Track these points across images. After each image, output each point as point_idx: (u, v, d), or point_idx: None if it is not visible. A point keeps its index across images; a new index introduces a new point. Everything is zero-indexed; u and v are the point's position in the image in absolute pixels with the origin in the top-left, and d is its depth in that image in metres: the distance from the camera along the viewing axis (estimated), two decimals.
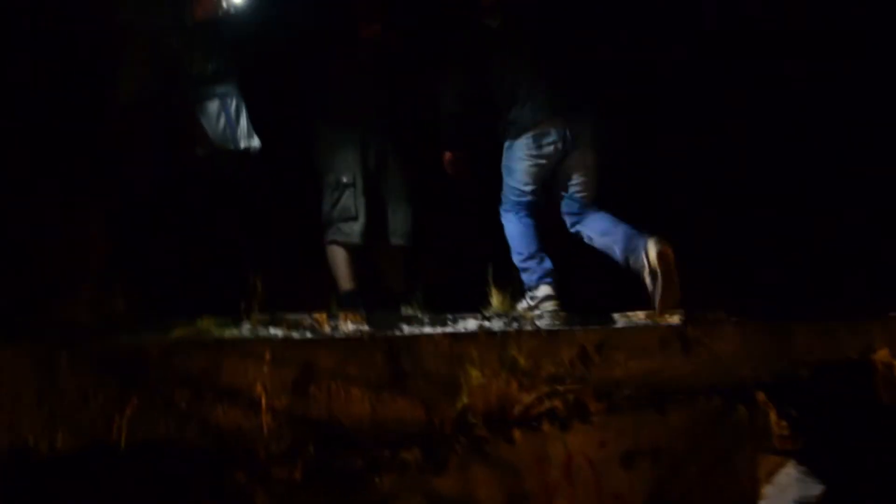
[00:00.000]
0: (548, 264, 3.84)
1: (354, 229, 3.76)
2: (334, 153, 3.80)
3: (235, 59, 3.60)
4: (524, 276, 3.90)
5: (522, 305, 3.88)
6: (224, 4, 3.36)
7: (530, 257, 3.84)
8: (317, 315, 2.94)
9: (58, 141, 3.98)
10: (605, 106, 4.02)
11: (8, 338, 2.41)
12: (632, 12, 5.01)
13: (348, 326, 2.90)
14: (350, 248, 3.78)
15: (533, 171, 3.86)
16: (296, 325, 2.86)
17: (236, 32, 3.53)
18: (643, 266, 3.64)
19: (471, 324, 3.22)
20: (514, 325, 3.32)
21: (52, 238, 3.83)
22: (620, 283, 4.57)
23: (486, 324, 3.24)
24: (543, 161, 3.84)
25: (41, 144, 3.94)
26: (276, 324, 2.85)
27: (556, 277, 3.83)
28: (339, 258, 3.79)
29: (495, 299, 3.65)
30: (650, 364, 3.36)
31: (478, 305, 4.05)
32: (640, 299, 4.18)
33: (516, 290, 3.88)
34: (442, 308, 3.88)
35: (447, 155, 4.04)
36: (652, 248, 3.60)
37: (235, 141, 3.52)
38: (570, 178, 3.89)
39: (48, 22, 4.02)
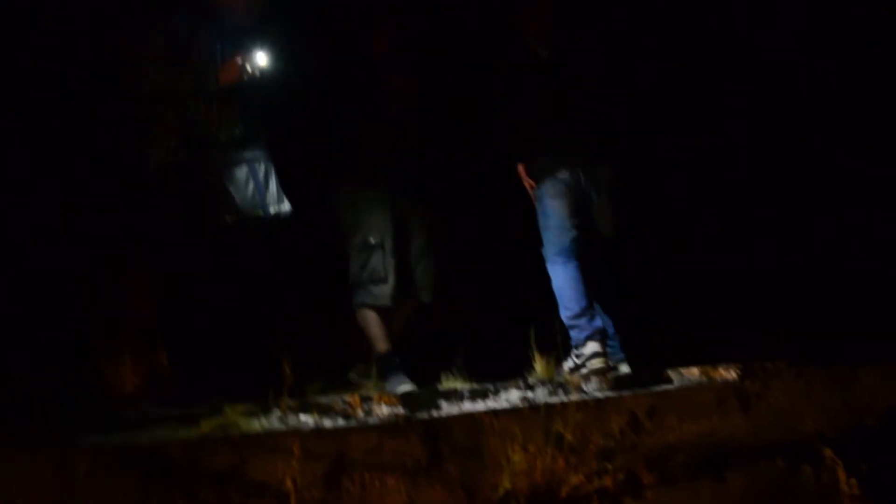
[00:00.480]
0: (598, 322, 3.75)
1: (384, 291, 3.66)
2: (360, 213, 3.72)
3: (262, 124, 3.55)
4: (572, 333, 3.79)
5: (568, 364, 3.76)
6: (248, 69, 3.31)
7: (581, 314, 3.74)
8: (349, 397, 2.81)
9: (96, 206, 4.06)
10: (626, 149, 4.00)
11: (24, 437, 2.34)
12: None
13: (382, 409, 2.77)
14: (380, 310, 3.68)
15: (564, 208, 3.81)
16: (327, 411, 2.74)
17: (262, 96, 3.48)
18: (572, 351, 3.77)
19: (513, 395, 3.07)
20: (560, 393, 3.16)
21: (99, 295, 3.87)
22: (672, 333, 4.45)
23: (530, 394, 3.09)
24: (568, 199, 3.80)
25: (82, 210, 4.04)
26: (306, 410, 2.73)
27: (606, 335, 3.74)
28: (370, 321, 3.69)
29: (539, 365, 3.49)
30: (706, 425, 3.17)
31: (521, 367, 3.95)
32: (692, 349, 4.05)
33: (560, 351, 3.72)
34: (484, 372, 3.80)
35: (521, 167, 3.98)
36: (623, 366, 3.75)
37: (265, 207, 3.47)
38: (589, 216, 3.87)
39: (78, 93, 4.13)
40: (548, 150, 3.84)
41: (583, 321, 3.74)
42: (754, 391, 3.36)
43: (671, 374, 3.56)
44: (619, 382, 3.37)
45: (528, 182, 3.96)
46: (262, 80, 3.36)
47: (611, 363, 3.80)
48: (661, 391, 3.26)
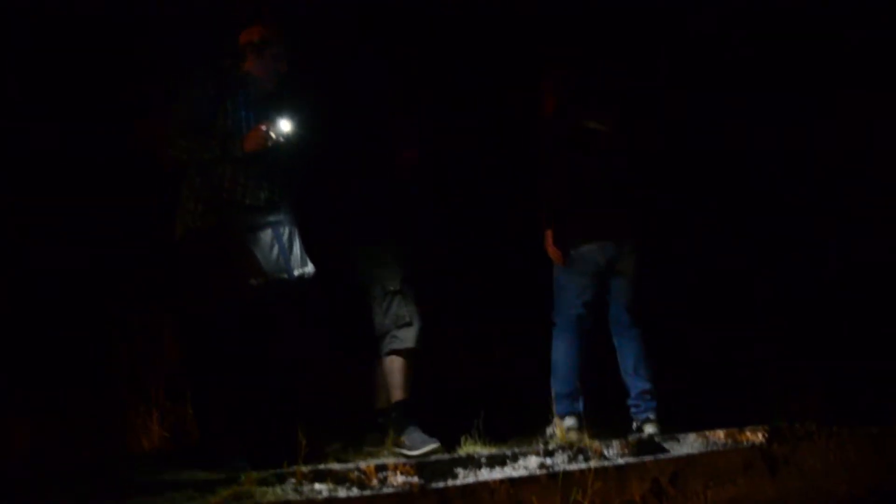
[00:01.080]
0: (578, 406, 3.80)
1: (410, 334, 3.68)
2: (377, 266, 3.77)
3: (285, 187, 3.60)
4: (556, 405, 3.81)
5: (549, 431, 3.77)
6: (273, 136, 3.37)
7: (567, 395, 3.80)
8: (365, 466, 2.78)
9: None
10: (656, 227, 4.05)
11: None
12: None
13: (398, 478, 2.73)
14: (407, 356, 3.69)
15: (583, 285, 3.84)
16: (343, 479, 2.71)
17: (285, 161, 3.53)
18: (635, 424, 3.77)
19: (532, 462, 3.02)
20: (580, 458, 3.09)
21: (129, 352, 3.92)
22: (697, 396, 4.38)
23: (549, 461, 3.03)
24: (589, 272, 3.83)
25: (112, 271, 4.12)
26: (321, 478, 2.70)
27: (582, 416, 3.77)
28: (396, 367, 3.69)
29: (559, 429, 3.44)
30: (732, 491, 3.10)
31: (543, 426, 3.90)
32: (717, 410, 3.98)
33: (582, 416, 3.67)
34: (505, 431, 3.76)
35: (548, 234, 3.95)
36: (648, 427, 3.72)
37: (289, 270, 3.48)
38: (611, 286, 3.88)
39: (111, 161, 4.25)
40: (577, 223, 3.87)
41: (567, 401, 3.79)
42: (783, 454, 3.28)
43: (696, 437, 3.49)
44: (642, 447, 3.30)
45: (552, 251, 3.94)
46: (286, 146, 3.41)
47: (637, 423, 3.78)
48: (685, 456, 3.19)
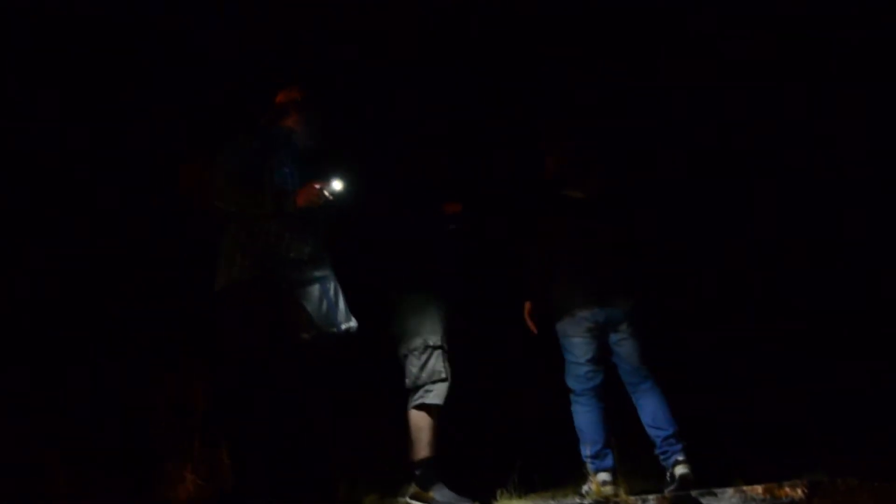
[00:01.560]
0: (609, 462, 3.80)
1: (444, 390, 3.70)
2: (421, 318, 3.79)
3: (329, 242, 3.67)
4: (589, 465, 3.82)
5: (585, 488, 3.77)
6: (326, 194, 3.44)
7: (595, 455, 3.80)
8: None
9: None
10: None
11: None
12: None
13: None
14: (436, 413, 3.69)
15: (585, 347, 3.91)
16: None
17: (330, 217, 3.60)
18: (668, 472, 3.77)
19: None
20: None
21: (164, 403, 3.97)
22: (734, 448, 4.31)
23: None
24: (589, 337, 3.90)
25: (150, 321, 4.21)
26: None
27: (616, 470, 3.78)
28: (426, 423, 3.69)
29: (595, 484, 3.41)
30: None
31: (577, 480, 3.87)
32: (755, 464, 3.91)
33: (618, 470, 3.64)
34: (541, 483, 3.74)
35: (528, 305, 4.09)
36: (679, 469, 3.72)
37: (337, 324, 3.54)
38: (615, 346, 3.94)
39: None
40: (567, 289, 3.97)
41: (598, 460, 3.80)
42: None
43: (734, 492, 3.43)
44: (678, 501, 3.26)
45: (529, 323, 4.08)
46: (335, 204, 3.49)
47: (669, 472, 3.77)
48: None
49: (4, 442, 3.61)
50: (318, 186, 3.41)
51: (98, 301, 4.32)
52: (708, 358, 5.00)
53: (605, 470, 3.75)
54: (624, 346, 3.91)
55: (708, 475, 3.75)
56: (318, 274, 3.53)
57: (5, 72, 4.43)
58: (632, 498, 3.23)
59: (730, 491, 3.46)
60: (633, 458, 3.88)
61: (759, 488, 3.45)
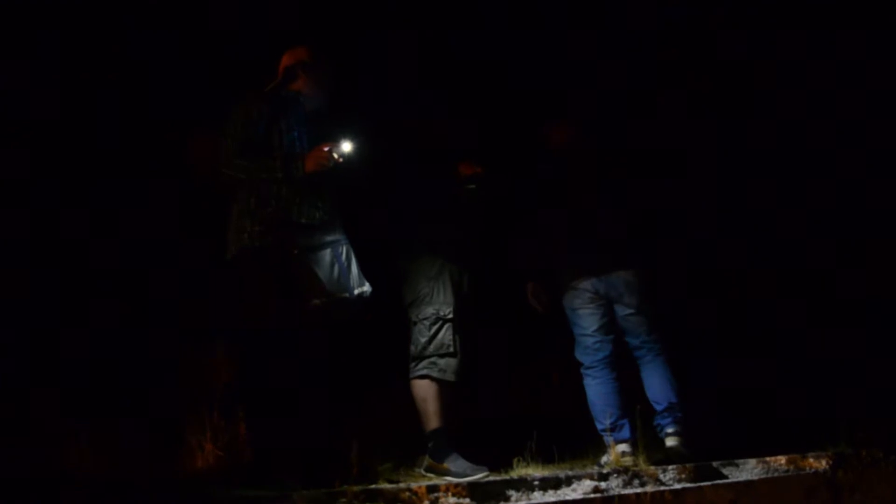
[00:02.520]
0: (626, 433, 3.78)
1: (451, 365, 3.63)
2: (434, 287, 3.73)
3: (340, 206, 3.62)
4: (605, 439, 3.83)
5: (604, 459, 3.74)
6: (336, 156, 3.38)
7: (612, 428, 3.78)
8: (416, 486, 2.75)
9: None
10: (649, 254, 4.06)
11: None
12: None
13: (449, 499, 2.70)
14: (442, 384, 3.64)
15: (590, 318, 3.91)
16: (394, 500, 2.69)
17: (338, 179, 3.55)
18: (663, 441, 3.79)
19: (586, 485, 2.95)
20: (635, 483, 3.02)
21: (185, 372, 3.99)
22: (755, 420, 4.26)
23: (603, 484, 2.96)
24: (594, 307, 3.90)
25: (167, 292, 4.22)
26: (372, 499, 2.68)
27: (634, 442, 3.72)
28: (430, 394, 3.62)
29: (613, 452, 3.37)
30: None
31: (596, 452, 3.84)
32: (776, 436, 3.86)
33: (640, 437, 3.60)
34: (559, 453, 3.71)
35: (530, 286, 4.07)
36: (669, 441, 3.73)
37: (350, 289, 3.48)
38: (622, 319, 3.92)
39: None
40: (566, 263, 3.97)
41: (614, 433, 3.78)
42: (848, 483, 3.16)
43: (756, 463, 3.38)
44: (700, 472, 3.21)
45: (534, 302, 4.06)
46: (345, 166, 3.43)
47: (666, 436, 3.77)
48: (745, 482, 3.10)
49: (32, 413, 3.63)
50: (326, 148, 3.34)
51: (118, 272, 4.32)
52: (734, 327, 4.94)
53: (622, 441, 3.73)
54: (630, 320, 3.90)
55: (732, 445, 3.71)
56: (329, 238, 3.47)
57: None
58: (651, 468, 3.18)
59: (752, 462, 3.42)
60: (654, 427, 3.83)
61: (782, 459, 3.40)
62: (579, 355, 3.94)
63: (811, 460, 3.40)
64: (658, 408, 3.80)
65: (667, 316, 4.02)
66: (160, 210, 4.44)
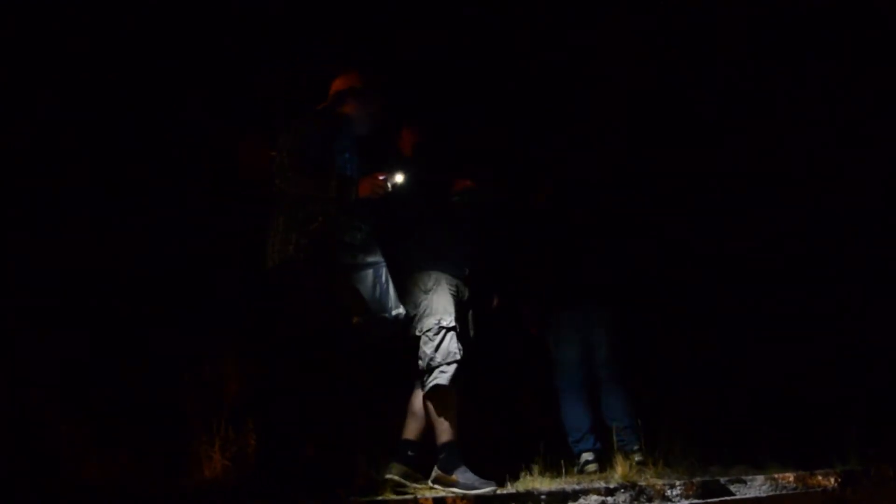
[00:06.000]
0: (590, 444, 4.18)
1: (456, 374, 3.64)
2: (434, 299, 3.75)
3: (379, 229, 3.66)
4: (573, 448, 4.23)
5: (577, 469, 4.06)
6: (388, 186, 3.44)
7: (578, 440, 4.21)
8: (422, 498, 2.76)
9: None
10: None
11: None
12: None
13: None
14: (451, 394, 3.65)
15: (571, 350, 4.32)
16: None
17: (382, 205, 3.60)
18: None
19: (592, 500, 2.96)
20: (642, 498, 3.02)
21: (198, 383, 4.00)
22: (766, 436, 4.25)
23: (609, 499, 2.96)
24: (576, 341, 4.32)
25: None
26: None
27: (599, 452, 4.13)
28: (441, 405, 3.62)
29: (620, 467, 3.36)
30: None
31: (603, 465, 3.84)
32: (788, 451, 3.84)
33: (645, 452, 3.60)
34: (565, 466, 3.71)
35: (526, 309, 4.49)
36: (637, 457, 3.89)
37: (388, 309, 3.54)
38: (591, 346, 4.33)
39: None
40: (554, 296, 4.39)
41: (580, 444, 4.21)
42: (856, 501, 3.15)
43: (764, 480, 3.37)
44: (707, 488, 3.20)
45: (533, 328, 4.49)
46: (392, 196, 3.48)
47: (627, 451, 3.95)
48: (752, 499, 3.09)
49: (38, 423, 3.65)
50: (382, 178, 3.39)
51: (131, 283, 4.33)
52: (741, 344, 4.94)
53: (587, 451, 4.13)
54: (601, 349, 4.28)
55: (739, 461, 3.70)
56: (370, 259, 3.53)
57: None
58: (658, 483, 3.17)
59: (760, 478, 3.40)
60: (662, 446, 3.83)
61: (790, 476, 3.39)
62: (556, 376, 4.35)
63: (819, 478, 3.38)
64: (620, 425, 4.09)
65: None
66: (177, 215, 4.45)
